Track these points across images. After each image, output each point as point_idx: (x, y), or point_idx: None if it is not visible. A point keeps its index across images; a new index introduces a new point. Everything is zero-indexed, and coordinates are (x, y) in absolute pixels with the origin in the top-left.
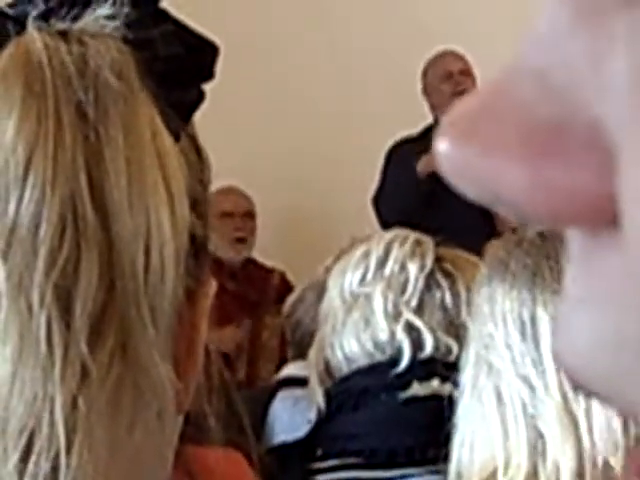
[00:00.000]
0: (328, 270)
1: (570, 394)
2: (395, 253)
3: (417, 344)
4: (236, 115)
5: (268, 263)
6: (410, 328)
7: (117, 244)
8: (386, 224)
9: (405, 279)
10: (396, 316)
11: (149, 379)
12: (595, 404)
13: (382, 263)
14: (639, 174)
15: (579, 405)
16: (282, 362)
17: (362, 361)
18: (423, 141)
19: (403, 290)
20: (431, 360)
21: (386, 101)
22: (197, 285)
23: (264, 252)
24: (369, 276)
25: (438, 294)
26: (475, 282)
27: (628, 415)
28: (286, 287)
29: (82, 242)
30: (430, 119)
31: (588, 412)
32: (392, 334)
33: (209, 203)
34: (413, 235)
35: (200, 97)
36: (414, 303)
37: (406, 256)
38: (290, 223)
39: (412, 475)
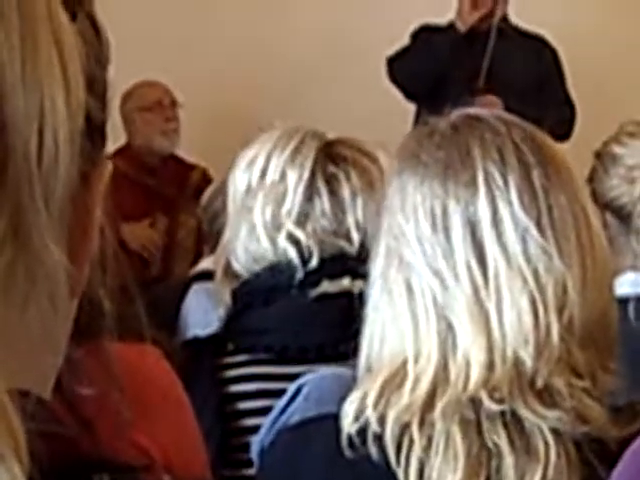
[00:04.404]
0: None
1: (481, 286)
2: (275, 161)
3: (303, 254)
4: (162, 9)
5: (190, 159)
6: (293, 239)
7: (9, 124)
8: (395, 81)
9: (284, 189)
10: (278, 228)
11: (42, 263)
12: (506, 297)
13: (264, 172)
14: None
15: (490, 298)
16: (197, 260)
17: (258, 267)
18: (448, 33)
19: (282, 201)
20: (341, 258)
21: None
22: (92, 168)
23: (187, 149)
24: (253, 185)
25: (318, 204)
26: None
27: None
28: (207, 184)
29: None
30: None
31: (499, 305)
32: (274, 246)
33: (109, 85)
34: (299, 136)
35: None
36: (294, 214)
37: (286, 164)
38: (214, 120)
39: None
